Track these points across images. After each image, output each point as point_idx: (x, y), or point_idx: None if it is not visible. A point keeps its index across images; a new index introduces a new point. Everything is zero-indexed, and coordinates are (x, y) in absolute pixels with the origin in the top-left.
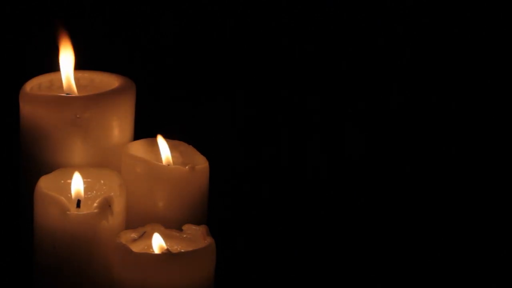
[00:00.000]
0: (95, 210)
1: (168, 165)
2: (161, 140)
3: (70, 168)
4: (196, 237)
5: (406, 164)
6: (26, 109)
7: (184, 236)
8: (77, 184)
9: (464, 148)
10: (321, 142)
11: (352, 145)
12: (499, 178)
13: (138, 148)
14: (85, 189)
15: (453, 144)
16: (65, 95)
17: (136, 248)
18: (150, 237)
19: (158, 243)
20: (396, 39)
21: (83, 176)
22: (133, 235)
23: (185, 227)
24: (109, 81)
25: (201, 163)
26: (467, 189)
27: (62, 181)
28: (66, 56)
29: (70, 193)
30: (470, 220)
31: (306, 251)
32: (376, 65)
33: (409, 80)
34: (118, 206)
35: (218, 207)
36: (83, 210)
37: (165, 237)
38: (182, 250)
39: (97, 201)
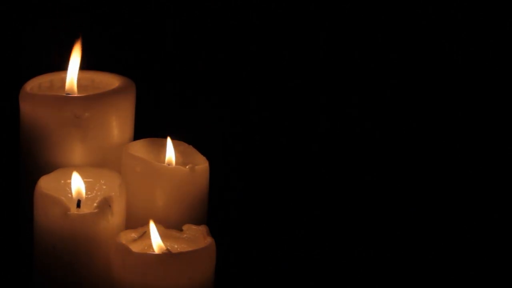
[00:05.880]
0: (95, 210)
1: (168, 165)
2: (169, 142)
3: (70, 168)
4: (196, 237)
5: (405, 164)
6: (26, 109)
7: (184, 236)
8: (77, 183)
9: (464, 147)
10: (322, 142)
11: (353, 145)
12: (499, 177)
13: (138, 148)
14: (85, 189)
15: (453, 144)
16: (65, 95)
17: (136, 248)
18: (150, 237)
19: (156, 242)
20: (396, 39)
21: (83, 176)
22: (133, 235)
23: (185, 227)
24: (109, 81)
25: (201, 163)
26: (466, 189)
27: (62, 181)
28: (76, 59)
29: (70, 193)
30: (470, 219)
31: (306, 251)
32: (375, 65)
33: (408, 79)
34: (118, 206)
35: (218, 207)
36: (83, 210)
37: (165, 237)
38: (182, 250)
39: (97, 201)
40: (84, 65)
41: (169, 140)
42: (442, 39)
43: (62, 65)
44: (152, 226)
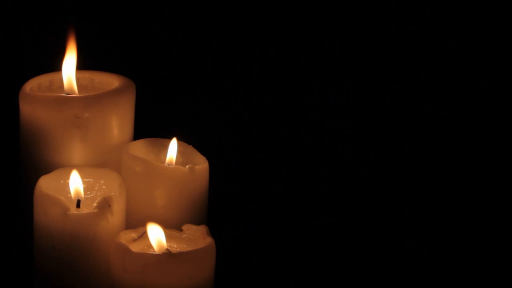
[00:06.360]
0: (95, 210)
1: (169, 165)
2: (174, 143)
3: (70, 168)
4: (196, 237)
5: (406, 165)
6: (26, 109)
7: (184, 236)
8: (75, 183)
9: (464, 147)
10: (322, 142)
11: (353, 145)
12: (499, 177)
13: (138, 148)
14: (85, 189)
15: (453, 144)
16: (65, 95)
17: (136, 248)
18: (151, 237)
19: (156, 240)
20: (395, 39)
21: (83, 176)
22: (133, 235)
23: (185, 227)
24: (109, 81)
25: (201, 163)
26: (466, 189)
27: (62, 181)
28: (71, 58)
29: (70, 193)
30: (470, 219)
31: (306, 252)
32: (375, 65)
33: (408, 79)
34: (118, 206)
35: (218, 207)
36: (83, 210)
37: (165, 237)
38: (182, 250)
39: (97, 201)
40: (84, 65)
41: (174, 141)
42: (443, 39)
43: (61, 65)
44: (155, 228)
